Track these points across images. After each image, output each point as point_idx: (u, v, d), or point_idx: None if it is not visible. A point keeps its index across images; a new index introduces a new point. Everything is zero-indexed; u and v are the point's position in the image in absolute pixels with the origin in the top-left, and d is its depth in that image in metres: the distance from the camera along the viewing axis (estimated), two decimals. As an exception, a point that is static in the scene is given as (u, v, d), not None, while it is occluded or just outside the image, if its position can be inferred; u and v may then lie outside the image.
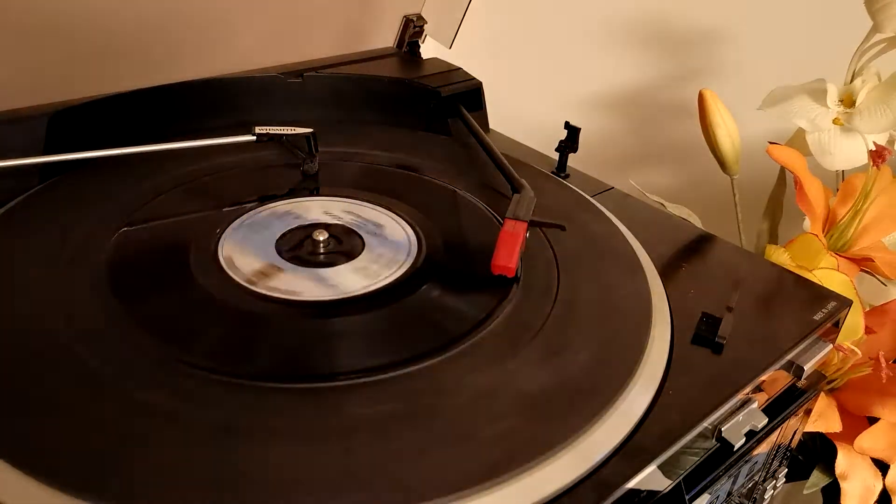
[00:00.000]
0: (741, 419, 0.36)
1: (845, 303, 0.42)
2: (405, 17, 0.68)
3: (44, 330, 0.34)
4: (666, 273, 0.43)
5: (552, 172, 0.54)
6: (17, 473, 0.27)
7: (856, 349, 0.48)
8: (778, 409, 0.41)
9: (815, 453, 0.55)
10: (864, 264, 0.55)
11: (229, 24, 0.58)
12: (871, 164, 0.51)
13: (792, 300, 0.42)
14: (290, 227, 0.43)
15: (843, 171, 0.61)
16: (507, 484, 0.28)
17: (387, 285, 0.39)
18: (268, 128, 0.49)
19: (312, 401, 0.31)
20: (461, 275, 0.40)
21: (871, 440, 0.50)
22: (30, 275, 0.37)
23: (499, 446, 0.30)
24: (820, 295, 0.42)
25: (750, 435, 0.36)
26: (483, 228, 0.45)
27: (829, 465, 0.52)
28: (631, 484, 0.30)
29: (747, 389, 0.36)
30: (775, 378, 0.39)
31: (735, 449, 0.35)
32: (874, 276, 0.56)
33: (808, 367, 0.39)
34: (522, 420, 0.31)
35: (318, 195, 0.47)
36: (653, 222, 0.49)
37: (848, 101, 0.59)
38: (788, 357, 0.38)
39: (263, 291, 0.38)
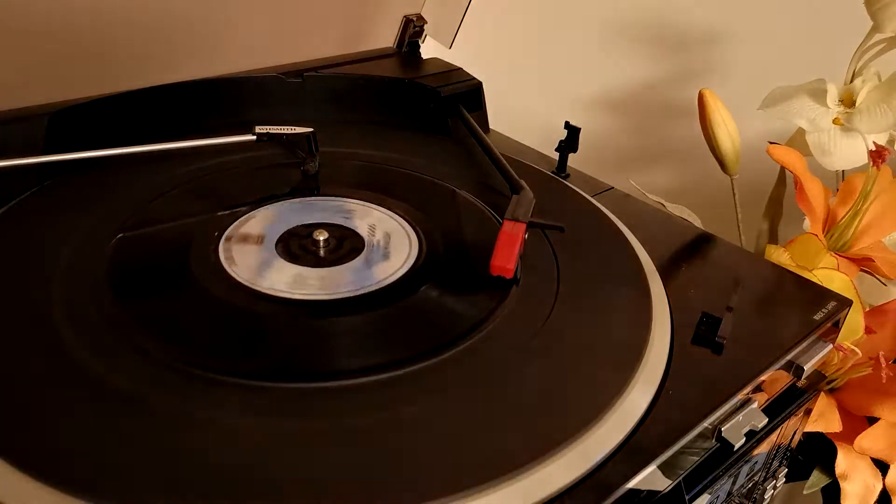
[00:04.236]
0: (741, 419, 0.36)
1: (845, 303, 0.42)
2: (405, 17, 0.68)
3: (43, 330, 0.34)
4: (666, 273, 0.43)
5: (552, 172, 0.54)
6: (17, 473, 0.27)
7: (856, 349, 0.47)
8: (778, 409, 0.41)
9: (815, 453, 0.55)
10: (864, 264, 0.55)
11: (229, 24, 0.58)
12: (871, 164, 0.51)
13: (792, 300, 0.42)
14: (323, 221, 0.44)
15: (843, 171, 0.61)
16: (507, 484, 0.28)
17: (294, 299, 0.37)
18: (268, 127, 0.49)
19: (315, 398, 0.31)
20: (460, 275, 0.40)
21: (871, 440, 0.50)
22: (29, 274, 0.37)
23: (499, 446, 0.30)
24: (820, 295, 0.42)
25: (750, 435, 0.36)
26: (482, 229, 0.45)
27: (829, 465, 0.52)
28: (631, 484, 0.30)
29: (747, 389, 0.36)
30: (775, 378, 0.39)
31: (735, 449, 0.35)
32: (874, 276, 0.56)
33: (808, 367, 0.39)
34: (523, 420, 0.31)
35: (393, 211, 0.45)
36: (653, 222, 0.49)
37: (848, 101, 0.58)
38: (788, 357, 0.38)
39: (219, 250, 0.40)
